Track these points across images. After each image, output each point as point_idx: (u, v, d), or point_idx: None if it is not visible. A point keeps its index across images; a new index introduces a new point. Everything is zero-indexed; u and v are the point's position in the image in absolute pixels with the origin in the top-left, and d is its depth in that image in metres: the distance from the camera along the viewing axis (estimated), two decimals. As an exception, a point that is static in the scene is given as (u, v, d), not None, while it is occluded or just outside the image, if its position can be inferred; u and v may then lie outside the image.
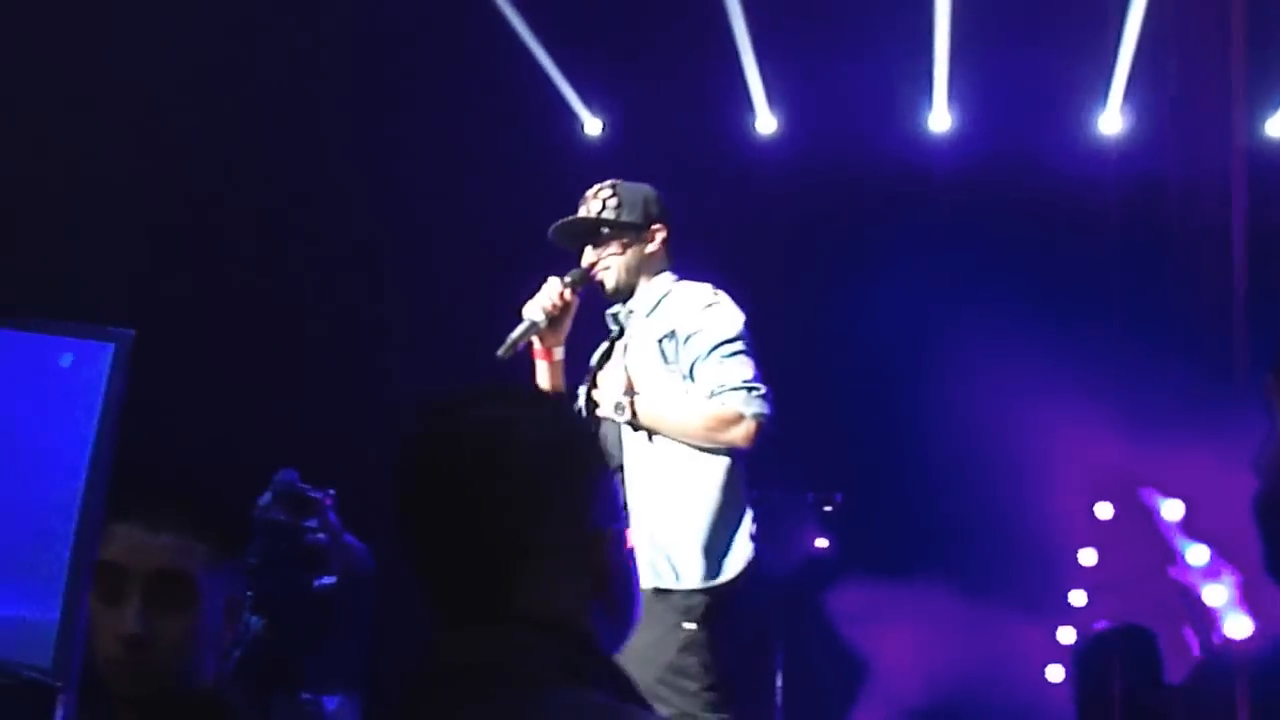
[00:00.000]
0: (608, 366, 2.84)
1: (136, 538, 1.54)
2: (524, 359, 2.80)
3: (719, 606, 2.69)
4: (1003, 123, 5.78)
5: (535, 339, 2.77)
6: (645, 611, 2.74)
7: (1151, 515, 5.21)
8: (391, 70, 5.90)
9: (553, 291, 2.76)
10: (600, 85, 6.05)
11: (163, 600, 1.48)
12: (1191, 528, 5.23)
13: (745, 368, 2.69)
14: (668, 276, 2.87)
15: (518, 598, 1.03)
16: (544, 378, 2.84)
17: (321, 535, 4.55)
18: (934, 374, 5.31)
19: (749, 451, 2.73)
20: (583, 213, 2.87)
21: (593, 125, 6.13)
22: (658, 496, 2.71)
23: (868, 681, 5.54)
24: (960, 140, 5.92)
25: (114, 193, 5.61)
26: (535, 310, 2.76)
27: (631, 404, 2.71)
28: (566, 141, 6.06)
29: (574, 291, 2.81)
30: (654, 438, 2.74)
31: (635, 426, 2.74)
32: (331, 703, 4.37)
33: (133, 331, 4.45)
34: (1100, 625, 4.70)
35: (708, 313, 2.76)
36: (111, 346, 4.37)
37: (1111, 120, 5.80)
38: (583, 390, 2.87)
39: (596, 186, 2.87)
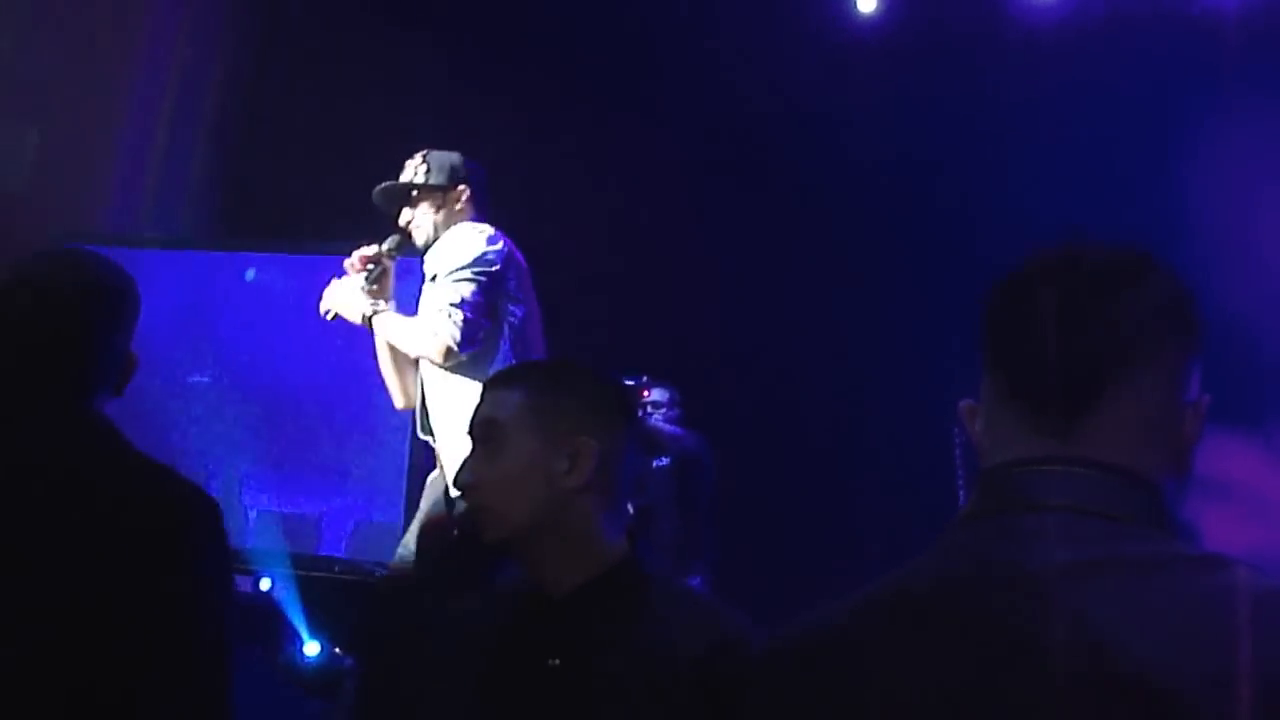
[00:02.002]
0: (343, 282, 3.13)
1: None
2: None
3: None
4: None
5: (351, 318, 3.07)
6: None
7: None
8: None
9: (343, 287, 3.08)
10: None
11: (482, 446, 1.58)
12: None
13: (457, 293, 2.88)
14: (462, 225, 3.11)
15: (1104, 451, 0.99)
16: (382, 329, 3.08)
17: (657, 417, 4.93)
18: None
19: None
20: (399, 180, 3.21)
21: (866, 2, 5.92)
22: (436, 415, 3.04)
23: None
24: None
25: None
26: (334, 302, 3.09)
27: (368, 318, 3.02)
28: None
29: (392, 256, 3.14)
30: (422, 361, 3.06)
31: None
32: (694, 582, 4.69)
33: None
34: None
35: (453, 243, 2.99)
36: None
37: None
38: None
39: (413, 156, 3.20)
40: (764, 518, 5.38)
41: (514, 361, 2.89)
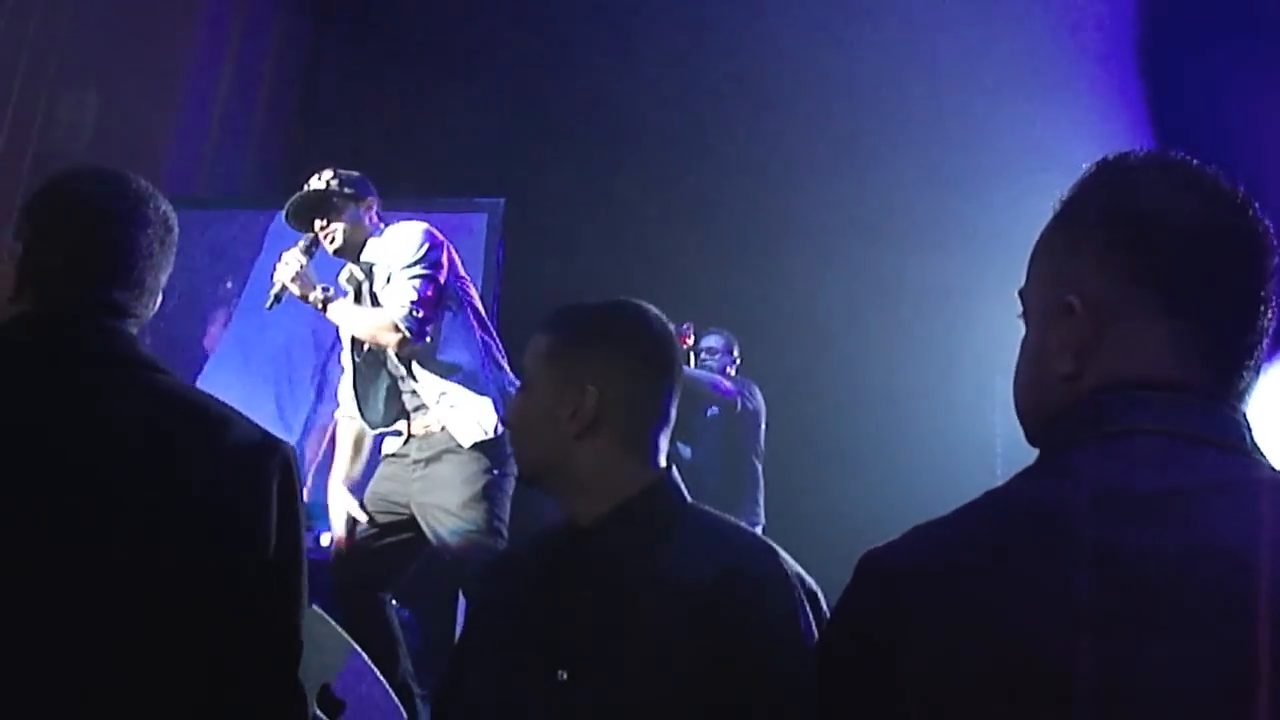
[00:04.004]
0: (288, 258, 3.38)
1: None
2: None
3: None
4: None
5: (300, 294, 3.34)
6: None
7: None
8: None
9: (292, 260, 3.34)
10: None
11: (519, 388, 1.69)
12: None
13: (413, 290, 3.21)
14: (403, 224, 3.41)
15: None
16: (336, 315, 3.36)
17: (710, 364, 4.96)
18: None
19: None
20: (308, 190, 3.43)
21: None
22: (425, 392, 3.32)
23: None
24: None
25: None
26: (284, 275, 3.34)
27: (324, 302, 3.31)
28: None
29: (309, 255, 3.40)
30: None
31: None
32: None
33: (503, 200, 4.97)
34: None
35: (400, 242, 3.30)
36: (484, 216, 4.92)
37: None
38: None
39: (318, 173, 3.44)
40: (814, 470, 5.42)
41: (478, 331, 3.33)
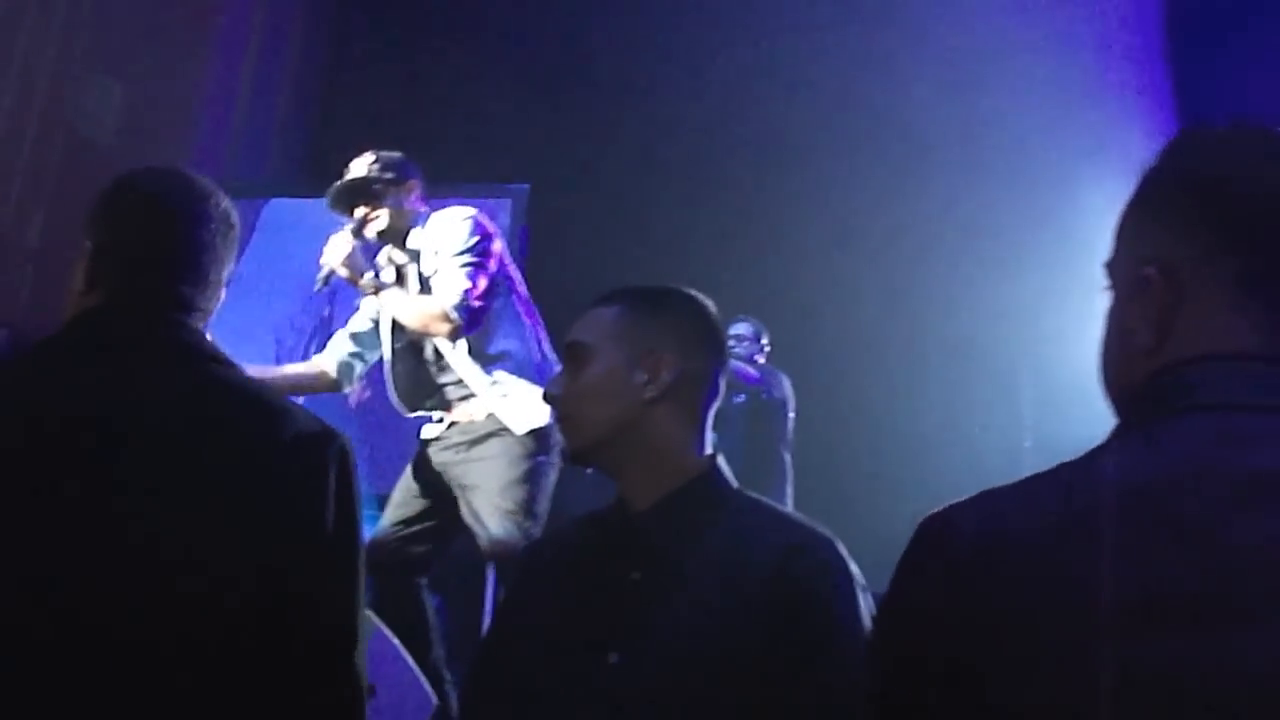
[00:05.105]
0: (337, 241, 3.32)
1: None
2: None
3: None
4: None
5: (348, 278, 3.30)
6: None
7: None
8: None
9: (342, 243, 3.28)
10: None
11: (569, 363, 1.68)
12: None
13: (464, 279, 3.17)
14: (450, 210, 3.36)
15: None
16: (388, 303, 3.32)
17: (738, 351, 4.94)
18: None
19: None
20: (350, 177, 3.39)
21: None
22: (471, 379, 3.29)
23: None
24: None
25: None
26: (333, 259, 3.28)
27: (375, 288, 3.27)
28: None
29: (359, 238, 3.34)
30: None
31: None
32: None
33: (528, 186, 4.97)
34: None
35: (450, 229, 3.25)
36: (508, 201, 4.92)
37: None
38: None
39: (360, 157, 3.41)
40: (842, 463, 5.42)
41: (526, 319, 3.33)
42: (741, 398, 4.88)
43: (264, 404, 1.46)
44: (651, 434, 1.59)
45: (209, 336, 1.51)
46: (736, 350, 4.97)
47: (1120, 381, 1.03)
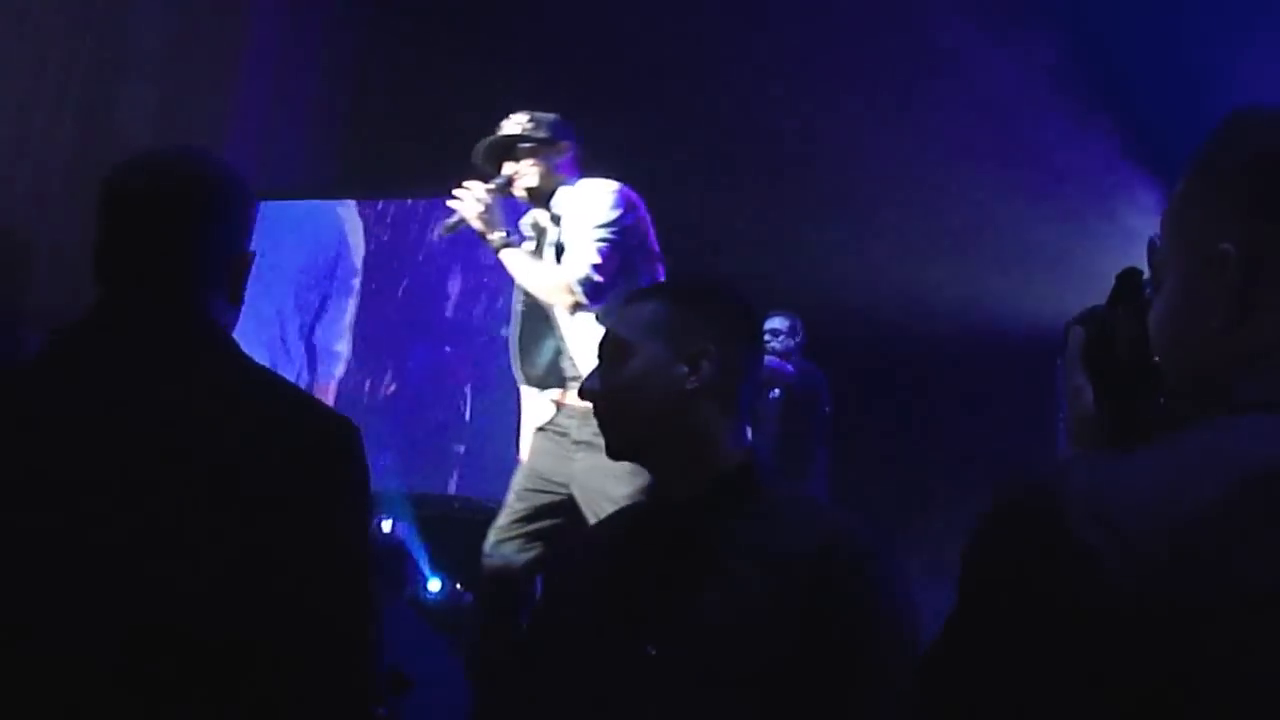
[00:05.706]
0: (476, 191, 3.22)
1: None
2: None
3: None
4: None
5: (480, 230, 3.21)
6: None
7: None
8: None
9: (480, 195, 3.19)
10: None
11: (609, 359, 1.67)
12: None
13: (595, 251, 3.07)
14: (596, 181, 3.26)
15: None
16: (510, 263, 3.23)
17: (774, 345, 4.91)
18: None
19: None
20: (503, 133, 3.30)
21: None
22: (579, 356, 3.21)
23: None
24: None
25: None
26: (468, 210, 3.19)
27: (502, 246, 3.19)
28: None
29: (501, 193, 3.26)
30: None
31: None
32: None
33: None
34: None
35: (592, 199, 3.16)
36: None
37: None
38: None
39: (514, 115, 3.32)
40: (878, 459, 5.41)
41: None
42: (777, 392, 4.87)
43: (278, 394, 1.44)
44: (692, 427, 1.59)
45: (220, 324, 1.47)
46: (772, 345, 4.92)
47: (1190, 362, 1.00)
